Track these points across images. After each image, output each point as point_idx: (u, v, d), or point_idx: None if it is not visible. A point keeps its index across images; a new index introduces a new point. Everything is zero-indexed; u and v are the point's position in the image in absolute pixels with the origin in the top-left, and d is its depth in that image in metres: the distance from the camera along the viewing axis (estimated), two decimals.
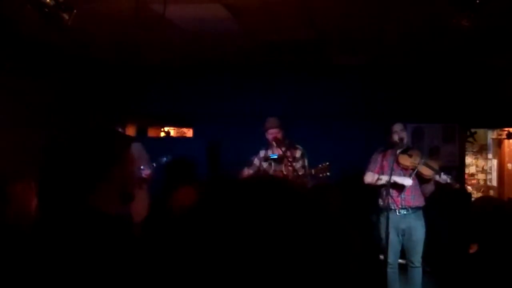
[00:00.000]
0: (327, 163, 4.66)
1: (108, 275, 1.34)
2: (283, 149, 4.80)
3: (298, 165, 4.82)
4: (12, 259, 1.41)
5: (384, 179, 4.56)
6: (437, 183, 4.60)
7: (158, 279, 0.70)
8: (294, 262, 0.62)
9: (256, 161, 5.06)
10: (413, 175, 4.52)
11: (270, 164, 4.98)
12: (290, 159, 4.75)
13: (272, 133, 4.85)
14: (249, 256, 0.62)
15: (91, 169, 1.50)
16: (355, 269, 0.67)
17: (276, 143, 4.80)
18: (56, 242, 1.39)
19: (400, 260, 4.78)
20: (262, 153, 5.05)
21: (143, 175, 4.70)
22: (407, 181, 4.50)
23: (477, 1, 3.19)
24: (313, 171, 4.70)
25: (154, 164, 4.79)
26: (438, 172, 4.53)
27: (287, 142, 4.94)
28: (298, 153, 4.91)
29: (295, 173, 4.65)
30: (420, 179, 4.63)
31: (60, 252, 1.37)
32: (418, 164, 4.52)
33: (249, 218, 0.65)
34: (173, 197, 2.56)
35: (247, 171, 5.05)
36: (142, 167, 4.68)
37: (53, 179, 1.52)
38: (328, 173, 4.63)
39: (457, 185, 4.56)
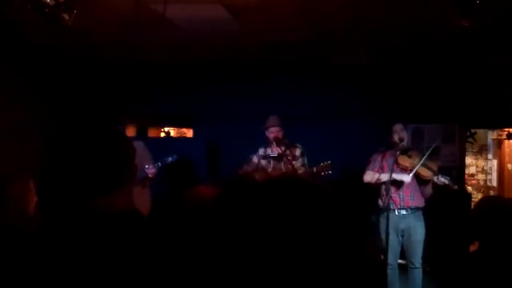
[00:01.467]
0: (329, 162, 4.67)
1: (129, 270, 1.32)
2: (283, 147, 4.82)
3: (297, 163, 4.83)
4: (12, 259, 1.40)
5: (384, 177, 4.57)
6: (435, 185, 4.60)
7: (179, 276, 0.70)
8: (314, 260, 0.62)
9: (254, 159, 5.05)
10: (411, 175, 4.52)
11: (269, 162, 4.98)
12: (290, 158, 4.76)
13: (273, 131, 4.85)
14: (269, 254, 0.62)
15: (118, 168, 1.45)
16: (368, 269, 0.67)
17: (276, 142, 4.81)
18: (75, 243, 1.35)
19: (400, 261, 4.78)
20: (261, 151, 5.05)
21: (149, 174, 4.68)
22: (406, 178, 4.51)
23: (477, 1, 3.19)
24: (314, 169, 4.70)
25: (159, 164, 4.78)
26: (436, 174, 4.53)
27: (287, 141, 4.95)
28: (297, 152, 4.92)
29: (294, 172, 4.66)
30: (419, 180, 4.63)
31: (81, 254, 1.33)
32: (417, 165, 4.52)
33: (271, 218, 0.65)
34: (188, 195, 2.55)
35: (246, 169, 5.04)
36: (146, 166, 4.67)
37: (66, 180, 1.48)
38: (330, 172, 4.64)
39: (455, 187, 4.54)
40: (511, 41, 4.80)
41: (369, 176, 4.73)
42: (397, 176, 4.52)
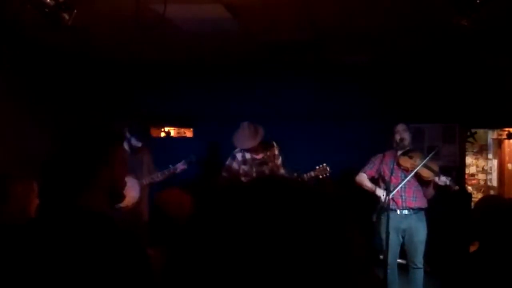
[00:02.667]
0: (324, 164, 4.69)
1: (94, 274, 1.34)
2: (260, 155, 4.80)
3: (278, 162, 4.82)
4: (9, 258, 1.42)
5: (379, 193, 4.62)
6: (436, 185, 4.59)
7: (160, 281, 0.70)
8: (303, 263, 0.62)
9: (234, 165, 4.91)
10: (408, 178, 4.50)
11: (251, 167, 4.88)
12: (271, 159, 4.75)
13: (251, 150, 4.79)
14: (257, 259, 0.61)
15: (79, 168, 1.50)
16: (362, 272, 0.66)
17: (258, 152, 4.82)
18: (43, 241, 1.40)
19: (400, 261, 4.78)
20: (239, 156, 4.91)
21: (178, 170, 4.89)
22: (379, 192, 4.60)
23: (477, 1, 3.19)
24: (312, 174, 4.71)
25: (185, 162, 4.95)
26: (437, 174, 4.52)
27: (264, 143, 4.84)
28: (276, 151, 4.87)
29: (279, 172, 4.66)
30: (420, 181, 4.62)
31: (48, 251, 1.37)
32: (418, 166, 4.51)
33: (258, 221, 0.64)
34: (159, 198, 2.56)
35: (227, 176, 4.95)
36: (176, 164, 4.90)
37: (47, 179, 1.52)
38: (327, 174, 4.66)
39: (456, 187, 4.53)
40: (511, 41, 4.80)
41: (360, 179, 4.79)
42: (372, 188, 4.63)
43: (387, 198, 4.45)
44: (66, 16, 3.22)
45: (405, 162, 4.61)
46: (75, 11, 3.26)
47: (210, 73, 6.65)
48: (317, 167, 4.72)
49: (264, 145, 4.84)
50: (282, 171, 4.70)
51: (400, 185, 4.47)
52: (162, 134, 8.62)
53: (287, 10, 4.05)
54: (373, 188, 4.68)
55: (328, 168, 4.69)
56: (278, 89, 6.58)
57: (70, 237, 1.40)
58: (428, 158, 4.54)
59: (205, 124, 6.77)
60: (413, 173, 4.50)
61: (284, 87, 6.59)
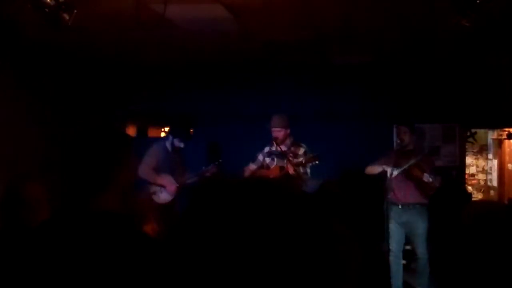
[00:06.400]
0: (316, 154, 4.87)
1: (119, 275, 1.34)
2: (283, 146, 4.96)
3: (297, 160, 4.92)
4: (22, 261, 1.42)
5: (386, 168, 4.76)
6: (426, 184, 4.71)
7: (161, 279, 0.70)
8: (286, 264, 0.62)
9: (260, 157, 5.23)
10: (397, 173, 4.67)
11: (272, 159, 5.15)
12: (291, 156, 4.82)
13: (274, 131, 5.01)
14: (243, 257, 0.62)
15: (99, 171, 1.48)
16: (353, 271, 0.67)
17: (276, 142, 4.96)
18: (63, 244, 1.38)
19: (408, 247, 4.92)
20: (266, 149, 5.23)
21: (209, 173, 5.17)
22: (386, 168, 4.77)
23: (477, 1, 3.19)
24: (303, 161, 4.89)
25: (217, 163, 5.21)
26: (424, 172, 4.65)
27: (291, 139, 5.07)
28: (301, 150, 5.05)
29: (295, 168, 4.78)
30: (412, 179, 4.73)
31: (68, 254, 1.36)
32: (409, 164, 4.67)
33: (243, 220, 0.65)
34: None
35: (251, 166, 5.24)
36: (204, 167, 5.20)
37: (65, 182, 1.50)
38: (317, 162, 4.84)
39: (437, 185, 4.68)
40: (511, 41, 4.80)
41: (369, 168, 4.96)
42: (379, 168, 4.85)
43: (389, 192, 4.65)
44: (66, 16, 3.22)
45: (402, 162, 4.76)
46: (75, 11, 3.26)
47: (210, 73, 6.65)
48: (309, 155, 4.85)
49: (292, 141, 5.08)
50: (296, 170, 4.79)
51: (395, 174, 4.68)
52: (162, 134, 8.62)
53: (287, 10, 4.05)
54: (381, 168, 4.85)
55: (317, 157, 4.83)
56: (278, 89, 6.58)
57: (95, 239, 1.38)
58: (418, 158, 4.70)
59: (205, 124, 6.77)
60: (401, 170, 4.67)
61: (284, 87, 6.59)
